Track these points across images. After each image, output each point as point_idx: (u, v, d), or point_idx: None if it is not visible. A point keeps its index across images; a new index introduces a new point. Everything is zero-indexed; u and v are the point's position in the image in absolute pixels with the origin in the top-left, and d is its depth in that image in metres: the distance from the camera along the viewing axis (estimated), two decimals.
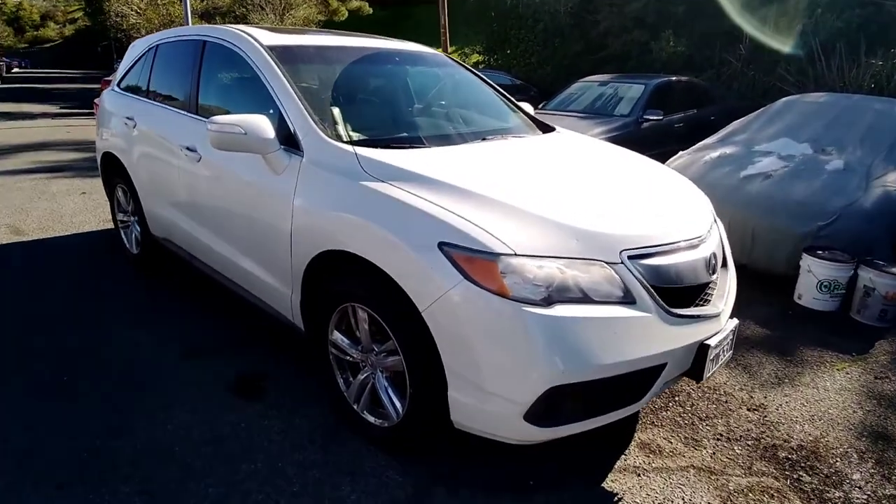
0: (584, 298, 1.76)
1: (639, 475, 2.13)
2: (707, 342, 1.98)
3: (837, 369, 2.92)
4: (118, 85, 3.91)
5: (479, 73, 3.42)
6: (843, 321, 3.49)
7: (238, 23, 9.92)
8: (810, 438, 2.38)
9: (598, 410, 1.84)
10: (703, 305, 2.05)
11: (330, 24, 27.36)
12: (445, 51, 15.33)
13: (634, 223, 1.98)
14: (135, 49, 3.90)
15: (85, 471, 2.09)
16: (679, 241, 2.00)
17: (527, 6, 12.40)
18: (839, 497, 2.07)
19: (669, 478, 2.13)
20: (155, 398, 2.51)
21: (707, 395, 2.65)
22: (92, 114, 13.17)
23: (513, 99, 3.35)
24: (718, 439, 2.35)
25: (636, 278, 1.83)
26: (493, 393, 1.75)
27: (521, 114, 3.22)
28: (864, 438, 2.39)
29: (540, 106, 7.07)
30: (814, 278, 3.59)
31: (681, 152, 5.12)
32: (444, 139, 2.56)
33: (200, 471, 2.10)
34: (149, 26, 21.23)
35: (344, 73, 2.83)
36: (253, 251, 2.58)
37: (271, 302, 2.59)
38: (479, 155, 2.41)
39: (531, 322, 1.68)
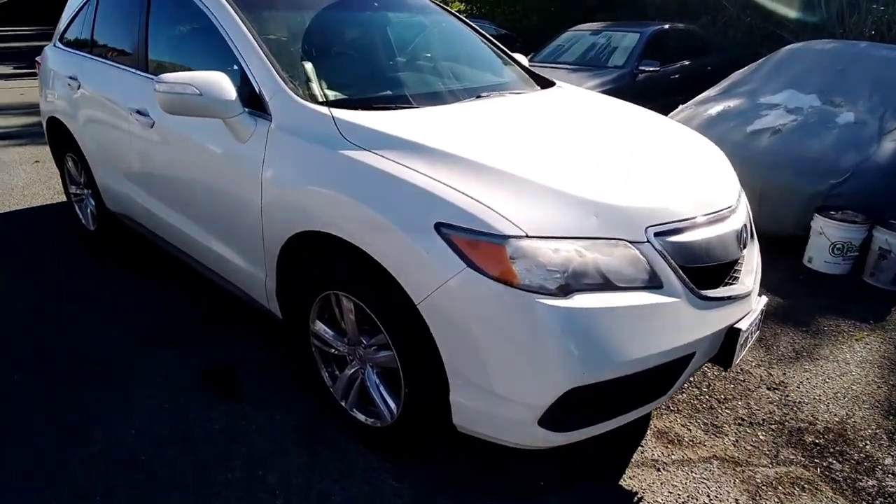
0: (606, 285, 1.52)
1: (658, 469, 1.96)
2: (737, 325, 1.77)
3: (856, 339, 2.77)
4: (59, 40, 3.48)
5: (467, 21, 3.08)
6: (856, 285, 3.33)
7: None
8: (836, 419, 2.22)
9: (620, 410, 1.63)
10: (732, 284, 1.83)
11: None
12: None
13: (659, 194, 1.72)
14: None
15: (35, 480, 1.85)
16: (709, 214, 1.76)
17: None
18: (872, 486, 1.93)
19: (691, 471, 1.95)
20: (115, 395, 2.26)
21: (723, 373, 2.48)
22: None
23: (506, 50, 3.02)
24: (740, 424, 2.18)
25: (663, 258, 1.60)
26: (502, 396, 1.52)
27: (517, 67, 2.90)
28: (892, 417, 2.24)
29: (528, 58, 6.68)
30: (826, 240, 3.41)
31: (681, 106, 4.84)
32: (434, 97, 2.25)
33: (168, 481, 1.87)
34: None
35: (315, 21, 2.47)
36: (220, 230, 2.29)
37: (244, 286, 2.32)
38: (475, 116, 2.11)
39: (546, 315, 1.44)
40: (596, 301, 1.49)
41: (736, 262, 1.87)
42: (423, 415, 1.74)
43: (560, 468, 1.94)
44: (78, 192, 3.60)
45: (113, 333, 2.67)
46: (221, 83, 1.97)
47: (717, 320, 1.71)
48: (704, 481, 1.92)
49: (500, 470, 1.94)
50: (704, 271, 1.72)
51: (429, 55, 2.67)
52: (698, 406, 2.28)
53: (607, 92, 5.23)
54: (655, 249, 1.59)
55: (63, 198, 4.44)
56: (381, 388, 1.90)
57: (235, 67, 2.15)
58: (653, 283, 1.58)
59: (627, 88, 5.67)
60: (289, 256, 2.00)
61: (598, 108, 2.48)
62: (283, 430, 2.10)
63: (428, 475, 1.90)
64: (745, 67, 5.18)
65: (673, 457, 2.01)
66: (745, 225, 1.92)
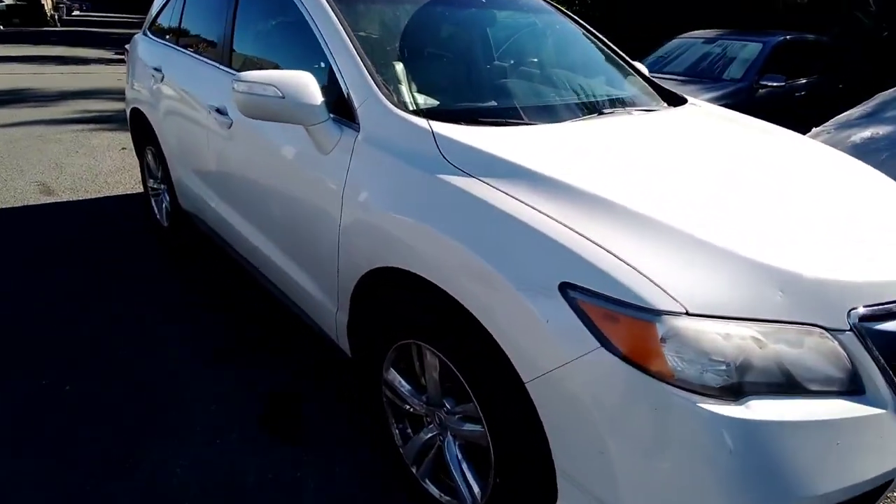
0: (790, 387, 1.13)
1: None
2: None
3: None
4: (149, 28, 3.41)
5: (582, 23, 2.71)
6: None
7: None
8: None
9: None
10: None
11: None
12: None
13: (863, 261, 1.30)
14: None
15: None
16: None
17: None
18: None
19: None
20: (170, 419, 2.07)
21: None
22: None
23: (626, 57, 2.63)
24: None
25: (869, 353, 1.18)
26: None
27: (639, 78, 2.51)
28: None
29: None
30: None
31: (815, 129, 4.24)
32: (548, 113, 1.91)
33: None
34: None
35: (414, 17, 2.19)
36: (292, 250, 2.05)
37: (313, 315, 2.07)
38: (602, 139, 1.75)
39: (708, 427, 1.07)
40: (777, 411, 1.10)
41: None
42: None
43: None
44: (155, 186, 3.53)
45: (177, 345, 2.51)
46: (307, 85, 1.71)
47: None
48: None
49: None
50: None
51: (539, 61, 2.33)
52: None
53: None
54: (860, 340, 1.17)
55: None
56: (464, 465, 1.57)
57: (321, 67, 1.90)
58: (852, 386, 1.17)
59: (744, 105, 5.07)
60: (366, 291, 1.73)
61: (750, 135, 2.06)
62: (343, 487, 1.83)
63: None
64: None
65: None
66: None
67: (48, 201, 4.16)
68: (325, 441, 2.02)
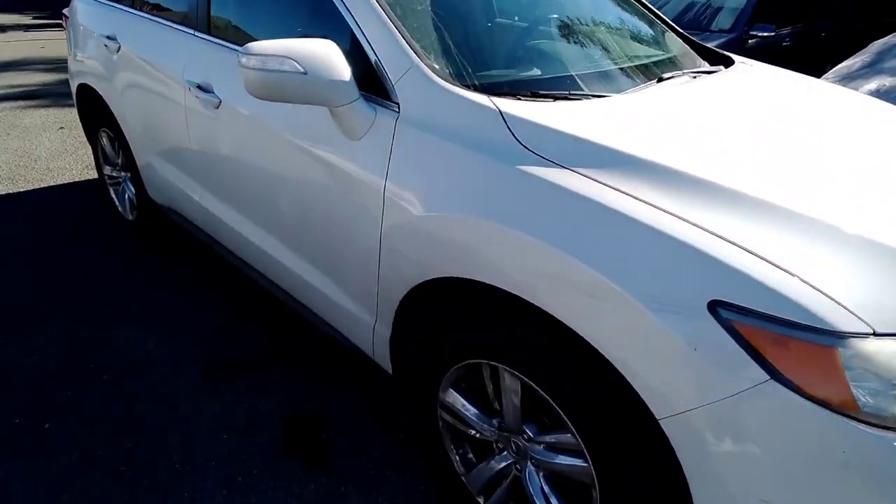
0: None
1: None
2: None
3: None
4: None
5: None
6: None
7: None
8: None
9: None
10: None
11: None
12: None
13: None
14: None
15: None
16: None
17: None
18: None
19: None
20: (172, 456, 1.80)
21: None
22: None
23: (652, 7, 2.39)
24: None
25: None
26: None
27: (674, 35, 2.28)
28: None
29: None
30: None
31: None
32: (607, 81, 1.67)
33: None
34: None
35: None
36: (311, 252, 1.78)
37: (339, 326, 1.82)
38: (684, 111, 1.53)
39: None
40: None
41: None
42: None
43: None
44: (114, 174, 3.12)
45: (165, 362, 2.21)
46: (332, 56, 1.42)
47: None
48: None
49: None
50: None
51: (572, 17, 2.06)
52: None
53: None
54: None
55: (93, 174, 4.00)
56: (553, 500, 1.39)
57: (338, 31, 1.60)
58: None
59: None
60: (418, 302, 1.49)
61: (821, 97, 1.88)
62: None
63: None
64: (894, 35, 4.43)
65: None
66: None
67: None
68: (363, 468, 1.80)
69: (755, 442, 0.96)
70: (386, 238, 1.46)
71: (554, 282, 1.13)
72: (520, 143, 1.26)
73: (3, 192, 3.71)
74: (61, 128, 5.09)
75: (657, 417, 1.04)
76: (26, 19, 13.16)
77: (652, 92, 1.60)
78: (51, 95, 6.32)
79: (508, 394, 1.36)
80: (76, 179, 3.98)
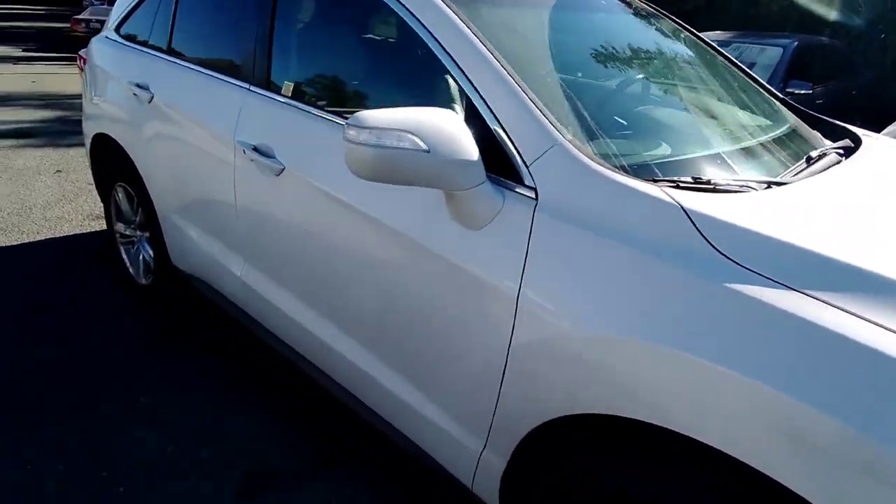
0: None
1: None
2: None
3: None
4: (116, 30, 2.71)
5: (700, 36, 2.26)
6: None
7: None
8: None
9: None
10: None
11: None
12: None
13: None
14: None
15: None
16: None
17: None
18: None
19: None
20: None
21: None
22: (65, 59, 11.75)
23: (756, 76, 2.21)
24: None
25: None
26: None
27: (782, 105, 2.08)
28: None
29: None
30: None
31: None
32: (755, 160, 1.44)
33: None
34: None
35: (564, 24, 1.68)
36: (397, 357, 1.50)
37: (425, 444, 1.52)
38: (863, 199, 1.30)
39: None
40: None
41: None
42: None
43: None
44: (128, 233, 2.84)
45: (193, 471, 1.88)
46: (458, 132, 1.18)
47: None
48: None
49: None
50: None
51: (690, 84, 1.86)
52: None
53: None
54: None
55: (98, 225, 3.71)
56: None
57: (447, 98, 1.37)
58: None
59: None
60: (551, 437, 1.21)
61: None
62: None
63: None
64: None
65: None
66: None
67: None
68: None
69: None
70: (516, 356, 1.19)
71: (791, 442, 0.87)
72: (718, 251, 1.01)
73: None
74: (58, 171, 4.80)
75: None
76: (16, 51, 13.01)
77: (821, 179, 1.37)
78: (45, 134, 6.04)
79: None
80: (76, 231, 3.68)
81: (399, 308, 1.43)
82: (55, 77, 9.94)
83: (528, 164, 1.23)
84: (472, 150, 1.19)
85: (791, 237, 1.01)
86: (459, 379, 1.34)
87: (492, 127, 1.28)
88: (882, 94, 6.13)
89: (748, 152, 1.47)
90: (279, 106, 1.74)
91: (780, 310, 0.92)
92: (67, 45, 12.77)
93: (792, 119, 1.93)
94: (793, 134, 1.76)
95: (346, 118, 1.43)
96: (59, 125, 6.49)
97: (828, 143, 1.84)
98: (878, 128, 4.69)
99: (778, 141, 1.62)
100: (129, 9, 2.62)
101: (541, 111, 1.25)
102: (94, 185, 3.15)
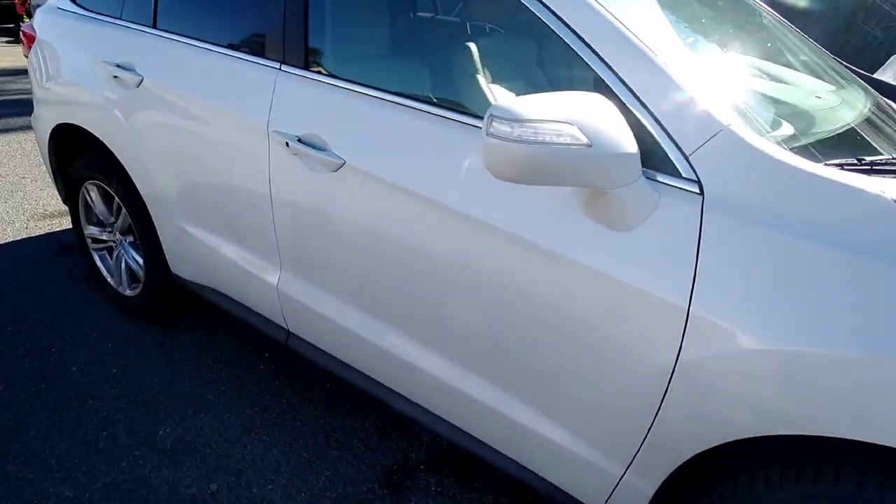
0: None
1: None
2: None
3: None
4: (75, 0, 2.32)
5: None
6: None
7: None
8: None
9: None
10: None
11: None
12: None
13: None
14: None
15: None
16: None
17: None
18: None
19: None
20: None
21: None
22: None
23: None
24: None
25: None
26: None
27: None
28: None
29: None
30: None
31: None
32: (880, 134, 1.36)
33: None
34: None
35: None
36: (504, 373, 1.34)
37: (549, 472, 1.39)
38: None
39: None
40: None
41: None
42: None
43: None
44: (104, 237, 2.50)
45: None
46: (616, 121, 1.02)
47: None
48: None
49: None
50: None
51: (794, 49, 1.73)
52: None
53: None
54: None
55: (50, 227, 3.29)
56: None
57: (570, 79, 1.20)
58: None
59: None
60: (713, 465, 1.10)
61: None
62: None
63: None
64: None
65: None
66: None
67: None
68: None
69: None
70: (685, 372, 1.07)
71: None
72: None
73: None
74: None
75: None
76: None
77: None
78: None
79: None
80: (24, 236, 3.25)
81: (516, 319, 1.26)
82: None
83: (687, 153, 1.08)
84: (631, 142, 1.03)
85: None
86: (599, 396, 1.20)
87: (637, 113, 1.12)
88: None
89: (873, 126, 1.39)
90: (329, 90, 1.50)
91: None
92: None
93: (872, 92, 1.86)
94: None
95: (457, 109, 1.23)
96: None
97: None
98: None
99: (879, 115, 1.55)
100: None
101: (696, 90, 1.10)
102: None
